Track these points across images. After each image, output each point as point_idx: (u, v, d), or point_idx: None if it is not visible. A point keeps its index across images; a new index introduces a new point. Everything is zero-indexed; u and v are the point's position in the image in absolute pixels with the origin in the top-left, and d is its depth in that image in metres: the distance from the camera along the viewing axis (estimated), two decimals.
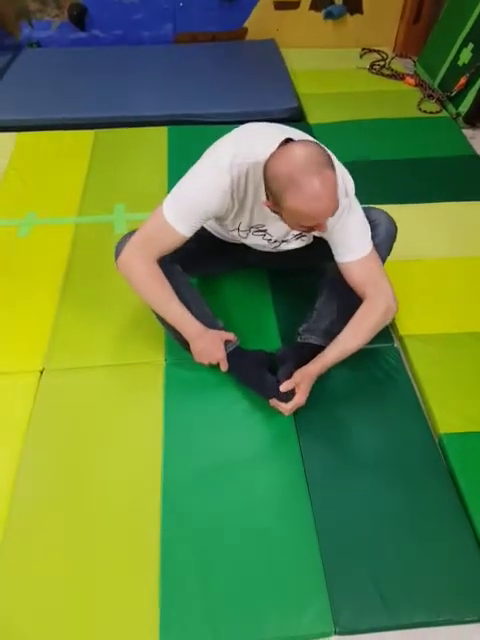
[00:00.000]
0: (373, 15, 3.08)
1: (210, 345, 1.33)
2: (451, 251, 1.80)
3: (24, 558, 1.10)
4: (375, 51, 3.07)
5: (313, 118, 2.47)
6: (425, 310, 1.59)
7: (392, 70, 2.89)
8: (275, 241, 1.36)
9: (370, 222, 1.35)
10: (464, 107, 2.51)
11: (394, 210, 1.47)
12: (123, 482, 1.21)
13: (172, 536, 1.12)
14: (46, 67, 2.84)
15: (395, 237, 1.41)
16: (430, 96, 2.65)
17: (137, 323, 1.52)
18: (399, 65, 2.98)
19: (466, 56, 2.57)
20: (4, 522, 1.14)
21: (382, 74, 2.88)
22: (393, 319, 1.55)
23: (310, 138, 1.19)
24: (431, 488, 1.20)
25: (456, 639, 1.01)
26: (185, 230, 1.21)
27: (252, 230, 1.32)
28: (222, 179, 1.16)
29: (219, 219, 1.31)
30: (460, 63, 2.60)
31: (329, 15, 3.06)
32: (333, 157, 1.22)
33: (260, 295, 1.63)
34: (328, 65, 2.96)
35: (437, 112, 2.56)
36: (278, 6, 3.04)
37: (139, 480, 1.21)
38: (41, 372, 1.42)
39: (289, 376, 1.27)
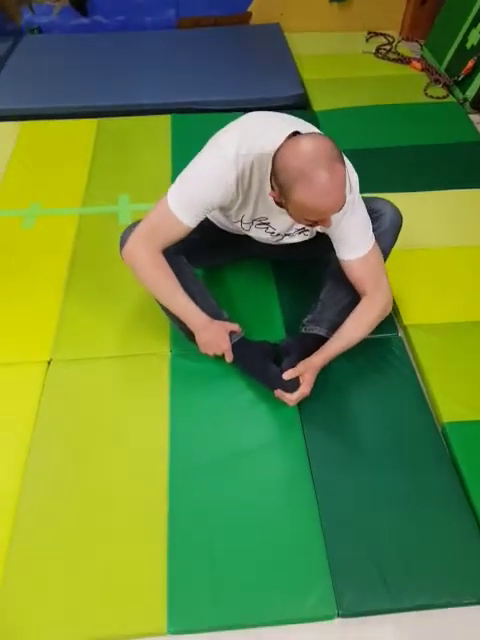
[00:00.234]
0: None
1: (215, 336, 1.34)
2: (456, 240, 1.79)
3: (36, 541, 1.13)
4: (381, 34, 3.03)
5: (318, 105, 2.45)
6: (429, 299, 1.60)
7: (398, 54, 2.85)
8: (278, 234, 1.36)
9: (375, 212, 1.36)
10: (471, 92, 2.48)
11: (399, 198, 1.47)
12: (131, 470, 1.23)
13: (179, 520, 1.15)
14: (48, 54, 2.82)
15: (400, 227, 1.41)
16: (437, 80, 2.61)
17: (142, 314, 1.53)
18: (406, 49, 2.93)
19: (475, 38, 2.51)
20: (15, 510, 1.16)
21: (388, 58, 2.84)
22: (397, 309, 1.56)
23: (317, 130, 1.19)
24: (434, 475, 1.22)
25: (455, 621, 1.04)
26: (189, 221, 1.22)
27: (255, 223, 1.32)
28: (227, 170, 1.15)
29: (223, 210, 1.32)
30: (468, 45, 2.56)
31: None
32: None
33: (264, 286, 1.64)
34: (333, 49, 2.92)
35: (444, 97, 2.53)
36: None
37: (146, 468, 1.24)
38: (48, 363, 1.44)
39: (293, 367, 1.28)
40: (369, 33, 3.04)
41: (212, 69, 2.65)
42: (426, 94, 2.54)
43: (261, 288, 1.63)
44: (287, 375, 1.27)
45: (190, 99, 2.44)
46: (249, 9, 3.08)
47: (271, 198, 1.16)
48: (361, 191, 1.25)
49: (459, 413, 1.32)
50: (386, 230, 1.37)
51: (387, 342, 1.49)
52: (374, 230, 1.32)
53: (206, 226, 1.40)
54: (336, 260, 1.32)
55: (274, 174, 1.09)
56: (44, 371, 1.42)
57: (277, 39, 2.92)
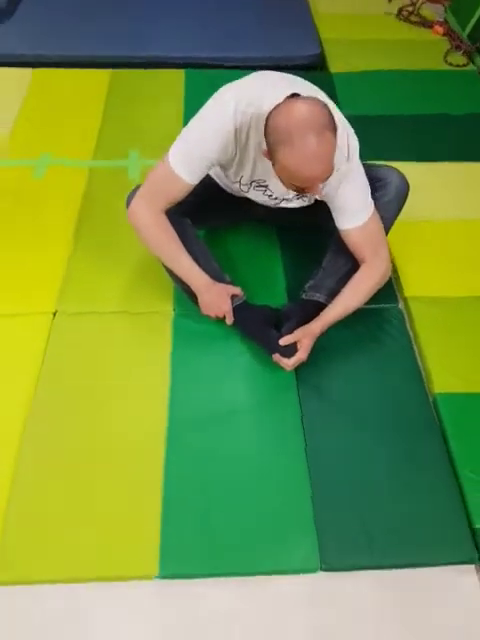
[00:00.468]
0: None
1: (217, 298, 1.35)
2: (465, 213, 1.78)
3: (36, 484, 1.17)
4: None
5: (335, 67, 2.39)
6: (432, 273, 1.60)
7: (420, 17, 2.76)
8: (276, 198, 1.36)
9: (380, 180, 1.35)
10: None
11: (410, 168, 1.46)
12: (131, 421, 1.28)
13: (174, 470, 1.20)
14: None
15: (406, 195, 1.40)
16: (458, 47, 2.53)
17: (148, 272, 1.55)
18: (429, 11, 2.83)
19: None
20: (17, 454, 1.21)
21: (409, 21, 2.74)
22: (399, 280, 1.58)
23: (320, 95, 1.17)
24: (422, 443, 1.26)
25: (431, 580, 1.10)
26: (190, 177, 1.22)
27: (253, 184, 1.32)
28: (224, 123, 1.15)
29: (223, 169, 1.31)
30: None
31: None
32: (342, 118, 1.20)
33: (269, 251, 1.65)
34: (354, 8, 2.82)
35: (464, 65, 2.46)
36: None
37: (146, 419, 1.28)
38: (54, 314, 1.47)
39: (291, 333, 1.30)
40: None
41: (229, 24, 2.57)
42: (446, 61, 2.48)
43: (265, 253, 1.64)
44: (284, 341, 1.29)
45: (205, 54, 2.38)
46: None
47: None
48: (370, 158, 1.23)
49: (451, 384, 1.35)
50: (391, 199, 1.36)
51: (387, 312, 1.51)
52: (379, 199, 1.32)
53: (209, 186, 1.40)
54: (336, 228, 1.32)
55: (265, 132, 1.09)
56: (49, 322, 1.45)
57: None
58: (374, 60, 2.42)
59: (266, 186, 1.32)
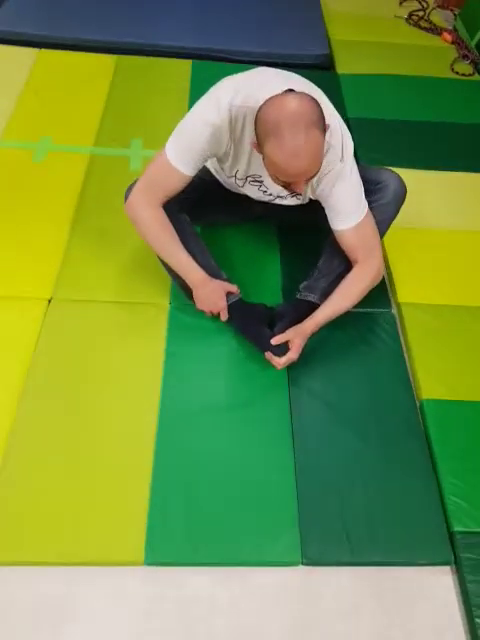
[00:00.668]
0: None
1: (212, 294, 1.37)
2: (463, 223, 1.80)
3: (26, 468, 1.18)
4: None
5: (342, 68, 2.40)
6: (427, 280, 1.62)
7: (430, 22, 2.77)
8: (270, 194, 1.37)
9: (378, 183, 1.36)
10: None
11: (410, 174, 1.46)
12: (122, 411, 1.29)
13: (163, 460, 1.21)
14: None
15: (404, 199, 1.42)
16: (465, 56, 2.55)
17: (145, 263, 1.55)
18: (439, 17, 2.85)
19: None
20: (7, 438, 1.21)
21: (419, 26, 2.76)
22: (394, 286, 1.60)
23: (315, 91, 1.17)
24: (406, 447, 1.29)
25: (407, 579, 1.13)
26: (186, 169, 1.23)
27: (249, 179, 1.33)
28: (217, 116, 1.16)
29: (219, 162, 1.32)
30: None
31: None
32: (338, 119, 1.21)
33: (268, 250, 1.66)
34: (365, 10, 2.83)
35: (470, 75, 2.48)
36: None
37: (137, 408, 1.29)
38: (49, 301, 1.47)
39: (283, 332, 1.31)
40: None
41: (239, 17, 2.57)
42: (452, 70, 2.49)
43: (264, 253, 1.65)
44: (275, 340, 1.31)
45: (212, 46, 2.37)
46: None
47: None
48: (370, 161, 1.24)
49: (438, 391, 1.38)
50: (388, 202, 1.38)
51: (380, 317, 1.53)
52: (376, 201, 1.33)
53: (208, 182, 1.41)
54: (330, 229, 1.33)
55: (255, 124, 1.09)
56: (44, 309, 1.45)
57: None
58: (381, 64, 2.44)
59: (261, 182, 1.33)
